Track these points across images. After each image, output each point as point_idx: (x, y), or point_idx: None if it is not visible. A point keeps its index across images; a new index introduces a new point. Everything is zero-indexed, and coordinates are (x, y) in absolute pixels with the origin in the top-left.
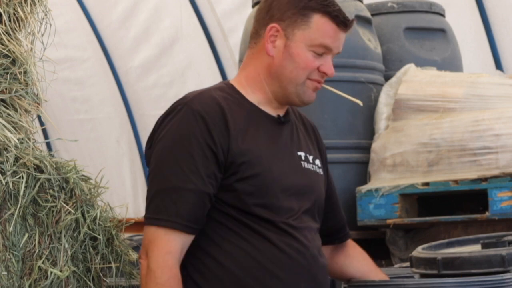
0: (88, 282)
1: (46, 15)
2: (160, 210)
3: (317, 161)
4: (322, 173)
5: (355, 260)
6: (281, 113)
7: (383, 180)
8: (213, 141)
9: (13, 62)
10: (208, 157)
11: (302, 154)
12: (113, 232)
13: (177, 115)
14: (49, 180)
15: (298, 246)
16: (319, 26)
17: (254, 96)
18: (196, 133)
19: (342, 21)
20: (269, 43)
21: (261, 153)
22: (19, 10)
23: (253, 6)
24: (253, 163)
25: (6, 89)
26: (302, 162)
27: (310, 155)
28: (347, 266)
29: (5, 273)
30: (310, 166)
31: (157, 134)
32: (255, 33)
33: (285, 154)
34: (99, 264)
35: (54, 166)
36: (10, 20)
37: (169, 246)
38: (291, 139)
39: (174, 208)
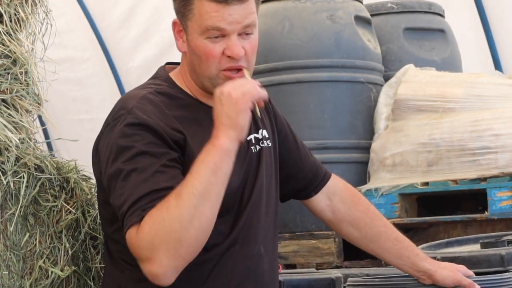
0: (88, 281)
1: (46, 15)
2: (141, 208)
3: (264, 132)
4: (270, 143)
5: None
6: None
7: (382, 180)
8: (167, 141)
9: (14, 62)
10: (169, 153)
11: (252, 137)
12: None
13: (123, 127)
14: (49, 180)
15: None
16: (200, 10)
17: (194, 94)
18: (150, 138)
19: None
20: (178, 40)
21: None
22: (20, 10)
23: None
24: None
25: (7, 89)
26: (252, 147)
27: (258, 130)
28: (349, 215)
29: (6, 272)
30: (258, 146)
31: (104, 147)
32: None
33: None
34: (100, 263)
35: (55, 166)
36: (11, 21)
37: None
38: None
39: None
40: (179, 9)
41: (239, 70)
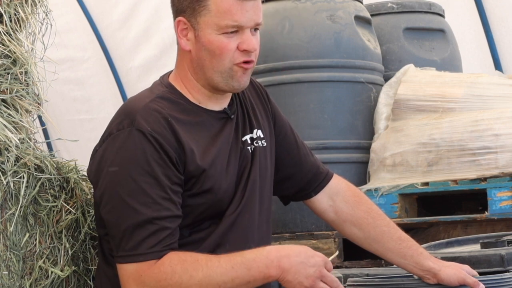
0: (88, 281)
1: (46, 15)
2: (140, 245)
3: (259, 132)
4: (265, 143)
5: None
6: (226, 102)
7: (382, 180)
8: (171, 159)
9: (14, 62)
10: (171, 177)
11: (247, 137)
12: None
13: (128, 139)
14: (49, 180)
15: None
16: (218, 7)
17: (194, 96)
18: (154, 155)
19: None
20: (182, 38)
21: (214, 167)
22: (20, 10)
23: None
24: (206, 178)
25: (7, 89)
26: (248, 148)
27: (252, 130)
28: (351, 215)
29: (6, 272)
30: (252, 146)
31: (105, 159)
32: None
33: (232, 159)
34: None
35: (55, 166)
36: (11, 21)
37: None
38: (235, 131)
39: (154, 238)
40: (189, 6)
41: (249, 62)
